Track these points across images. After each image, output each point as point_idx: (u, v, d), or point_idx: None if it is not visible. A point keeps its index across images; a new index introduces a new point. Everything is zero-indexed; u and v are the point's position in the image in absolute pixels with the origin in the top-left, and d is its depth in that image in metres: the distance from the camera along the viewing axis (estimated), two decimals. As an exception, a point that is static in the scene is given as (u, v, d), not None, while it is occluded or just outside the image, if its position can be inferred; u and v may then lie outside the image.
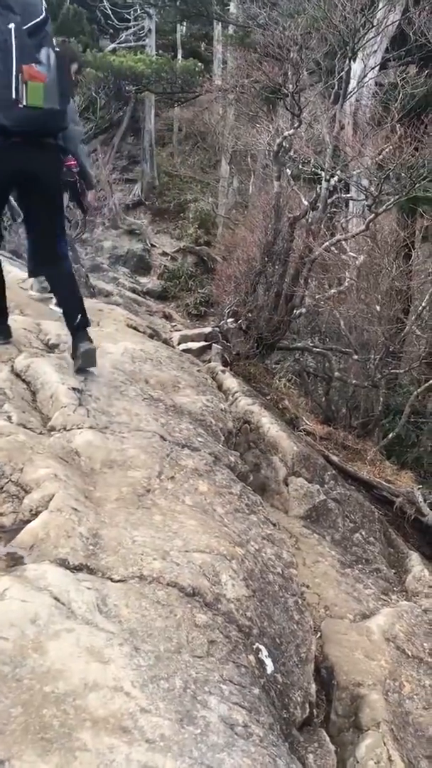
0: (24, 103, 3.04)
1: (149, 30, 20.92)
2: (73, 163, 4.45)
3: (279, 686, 2.53)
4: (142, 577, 2.44)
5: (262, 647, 2.55)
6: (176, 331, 10.28)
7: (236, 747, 1.94)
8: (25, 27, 3.09)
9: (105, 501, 2.88)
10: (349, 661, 3.13)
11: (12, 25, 3.05)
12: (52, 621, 2.09)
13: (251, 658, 2.42)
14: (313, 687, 2.79)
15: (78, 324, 3.85)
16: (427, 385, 6.68)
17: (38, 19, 3.15)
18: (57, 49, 3.21)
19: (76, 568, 2.38)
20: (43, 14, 3.20)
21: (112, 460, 3.22)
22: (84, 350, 3.82)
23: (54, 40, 3.28)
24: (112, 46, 20.86)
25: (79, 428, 3.36)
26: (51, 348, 4.35)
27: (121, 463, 3.21)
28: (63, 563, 2.36)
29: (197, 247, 18.39)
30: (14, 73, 3.01)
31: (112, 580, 2.39)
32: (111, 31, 22.82)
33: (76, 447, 3.21)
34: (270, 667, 2.53)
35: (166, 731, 1.88)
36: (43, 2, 3.26)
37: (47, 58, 3.10)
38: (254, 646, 2.51)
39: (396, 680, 3.10)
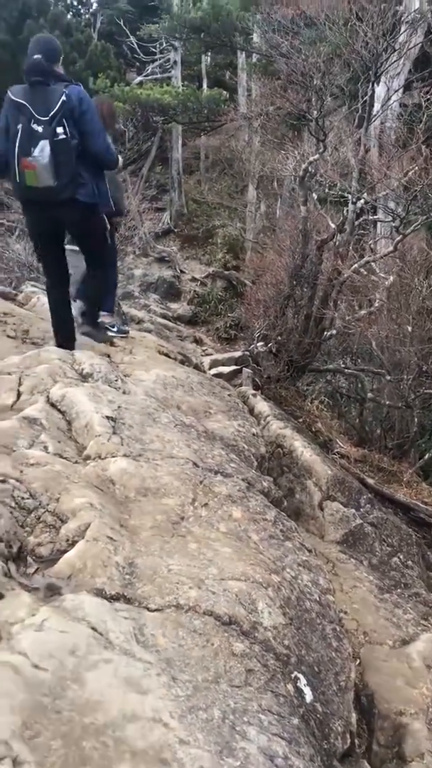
0: (25, 184, 4.09)
1: (175, 62, 21.34)
2: None
3: (319, 716, 2.49)
4: (178, 606, 2.44)
5: (300, 676, 2.52)
6: (207, 355, 10.35)
7: (277, 779, 1.92)
8: (32, 124, 3.99)
9: (140, 529, 2.90)
10: (390, 689, 3.07)
11: (19, 126, 4.00)
12: (90, 651, 2.10)
13: (290, 687, 2.39)
14: (354, 716, 2.74)
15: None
16: (461, 404, 6.60)
17: (50, 114, 3.99)
18: (62, 136, 4.01)
19: (113, 598, 2.39)
20: (55, 108, 4.00)
21: (146, 488, 3.24)
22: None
23: (81, 108, 4.11)
24: (139, 79, 21.31)
25: (113, 456, 3.40)
26: (85, 377, 4.41)
27: (155, 490, 3.23)
28: (100, 593, 2.38)
29: (226, 272, 18.52)
30: (16, 164, 4.05)
31: (148, 609, 2.40)
32: (137, 64, 23.38)
33: (111, 475, 3.24)
34: (309, 696, 2.50)
35: (205, 763, 1.87)
36: (63, 96, 4.03)
37: (41, 151, 3.98)
38: (292, 675, 2.48)
39: (439, 709, 3.04)
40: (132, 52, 22.37)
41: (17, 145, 4.01)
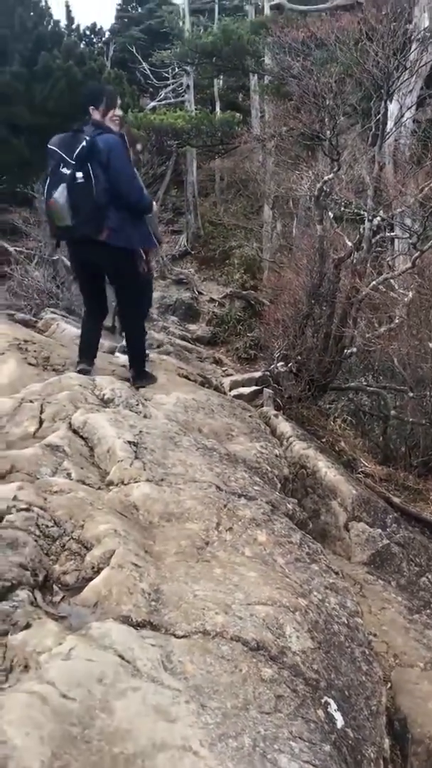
0: (54, 222, 4.55)
1: (187, 86, 21.64)
2: None
3: (350, 741, 2.45)
4: (205, 632, 2.43)
5: (330, 701, 2.49)
6: (227, 376, 10.35)
7: (309, 808, 1.89)
8: (61, 167, 4.35)
9: (165, 555, 2.89)
10: (423, 713, 3.02)
11: (50, 170, 4.42)
12: (118, 679, 2.09)
13: (320, 712, 2.36)
14: (387, 741, 2.69)
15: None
16: None
17: (73, 156, 4.31)
18: (80, 180, 4.30)
19: (140, 625, 2.38)
20: (77, 151, 4.30)
21: (169, 513, 3.24)
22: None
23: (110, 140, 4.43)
24: (153, 104, 21.62)
25: (136, 482, 3.40)
26: (106, 403, 4.43)
27: (179, 515, 3.23)
28: (126, 620, 2.37)
29: (244, 292, 18.58)
30: (45, 204, 4.56)
31: (175, 636, 2.39)
32: (151, 90, 23.73)
33: (134, 501, 3.24)
34: (340, 721, 2.46)
35: (236, 793, 1.85)
36: (85, 141, 4.33)
37: (61, 193, 4.34)
38: (323, 700, 2.45)
39: (473, 732, 2.97)
40: (145, 78, 22.73)
41: (47, 185, 4.46)
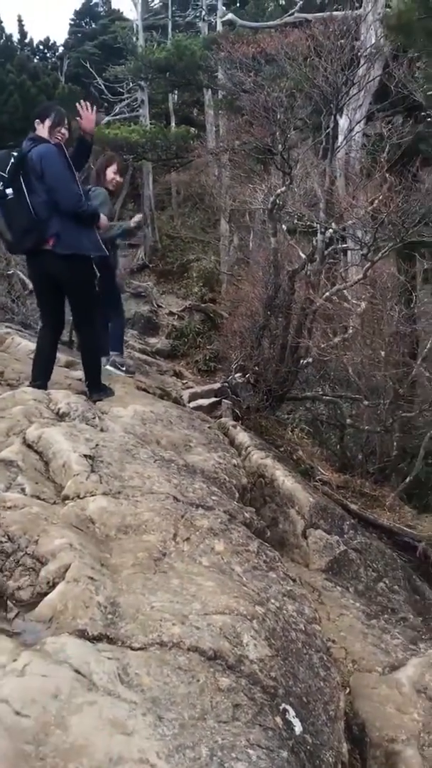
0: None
1: (142, 101, 21.73)
2: None
3: (309, 747, 2.46)
4: (162, 643, 2.42)
5: (288, 707, 2.50)
6: (187, 388, 10.36)
7: None
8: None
9: (121, 567, 2.88)
10: (381, 716, 3.05)
11: None
12: (73, 694, 2.07)
13: (278, 719, 2.37)
14: (345, 746, 2.71)
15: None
16: (439, 426, 6.66)
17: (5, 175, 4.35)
18: (10, 196, 4.36)
19: (96, 639, 2.36)
20: (9, 167, 4.32)
21: (126, 526, 3.22)
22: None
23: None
24: (108, 119, 21.63)
25: (92, 495, 3.39)
26: (62, 417, 4.40)
27: (136, 527, 3.22)
28: (82, 634, 2.35)
29: (203, 305, 18.67)
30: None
31: (132, 648, 2.38)
32: (106, 104, 23.75)
33: (90, 514, 3.22)
34: (298, 727, 2.47)
35: (194, 803, 1.84)
36: (13, 156, 4.35)
37: None
38: (281, 707, 2.46)
39: (430, 733, 3.01)
40: (100, 93, 22.75)
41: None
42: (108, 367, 6.02)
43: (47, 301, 5.03)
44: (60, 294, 4.91)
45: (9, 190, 4.33)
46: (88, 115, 4.80)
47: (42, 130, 4.62)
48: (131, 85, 21.80)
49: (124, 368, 6.24)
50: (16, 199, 4.34)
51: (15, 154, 4.35)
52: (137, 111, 22.15)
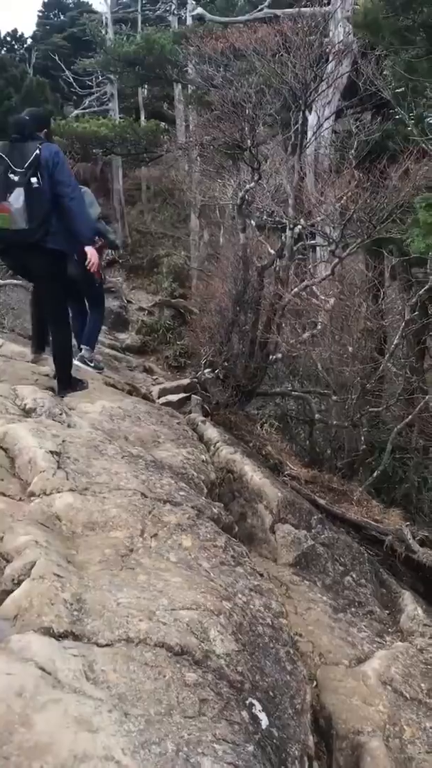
0: None
1: (111, 95, 21.58)
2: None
3: (275, 741, 2.48)
4: (128, 639, 2.41)
5: (255, 702, 2.51)
6: (157, 384, 10.33)
7: (232, 809, 1.90)
8: (9, 174, 4.48)
9: (88, 564, 2.86)
10: (347, 709, 3.08)
11: None
12: (38, 692, 2.06)
13: (244, 714, 2.38)
14: (311, 739, 2.73)
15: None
16: (406, 421, 6.75)
17: (25, 166, 4.47)
18: (35, 185, 4.48)
19: (61, 636, 2.35)
20: (30, 159, 4.47)
21: (93, 522, 3.20)
22: None
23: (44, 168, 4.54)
24: (76, 112, 21.43)
25: (58, 492, 3.36)
26: (28, 413, 4.36)
27: (103, 524, 3.20)
28: (47, 632, 2.33)
29: (173, 300, 18.61)
30: None
31: (98, 645, 2.36)
32: (75, 98, 23.54)
33: (56, 511, 3.20)
34: (264, 721, 2.48)
35: (159, 798, 1.84)
36: (38, 150, 4.50)
37: (16, 198, 4.46)
38: (247, 702, 2.47)
39: (396, 725, 3.05)
40: (68, 86, 22.53)
41: None
42: (76, 362, 5.96)
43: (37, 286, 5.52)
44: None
45: (34, 179, 4.52)
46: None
47: (42, 134, 4.87)
48: (100, 78, 21.63)
49: (92, 364, 6.25)
50: (40, 190, 4.53)
51: (39, 147, 4.54)
52: (107, 105, 21.99)
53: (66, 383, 5.07)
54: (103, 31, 22.11)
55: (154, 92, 26.66)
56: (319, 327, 7.25)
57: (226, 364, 7.09)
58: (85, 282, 6.00)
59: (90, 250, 4.91)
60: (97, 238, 5.91)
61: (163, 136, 16.66)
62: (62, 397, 4.90)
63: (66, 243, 4.82)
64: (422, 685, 3.38)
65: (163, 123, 20.20)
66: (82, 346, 6.22)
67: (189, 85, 16.72)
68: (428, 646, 3.80)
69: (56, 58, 23.19)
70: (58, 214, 4.69)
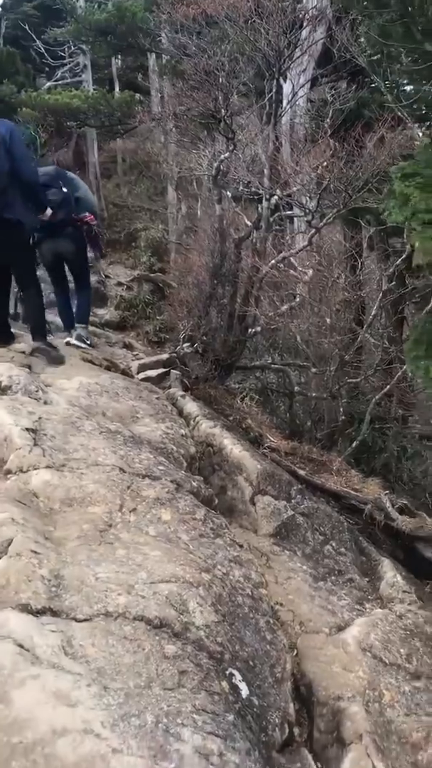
0: None
1: (84, 65, 21.10)
2: (90, 217, 6.15)
3: (256, 709, 2.50)
4: (107, 613, 2.42)
5: (235, 672, 2.53)
6: (137, 359, 10.27)
7: (212, 777, 1.92)
8: None
9: (66, 540, 2.85)
10: (327, 676, 3.11)
11: None
12: (16, 669, 2.06)
13: (224, 684, 2.40)
14: (292, 706, 2.77)
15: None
16: (384, 391, 6.77)
17: None
18: None
19: (39, 612, 2.34)
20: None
21: (71, 498, 3.19)
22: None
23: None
24: (49, 84, 20.94)
25: (35, 469, 3.34)
26: (3, 390, 4.31)
27: (81, 500, 3.19)
28: (25, 608, 2.33)
29: (152, 275, 18.42)
30: None
31: (76, 620, 2.37)
32: (47, 69, 23.00)
33: (33, 488, 3.18)
34: (245, 691, 2.51)
35: (139, 769, 1.86)
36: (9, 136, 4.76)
37: None
38: (227, 672, 2.49)
39: (375, 690, 3.09)
40: (40, 56, 21.97)
41: None
42: (72, 340, 6.13)
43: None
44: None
45: None
46: None
47: None
48: (73, 48, 21.10)
49: (88, 342, 6.33)
50: None
51: None
52: (80, 76, 21.50)
53: (43, 335, 5.50)
54: (74, -1, 21.55)
55: (128, 63, 26.11)
56: (297, 299, 7.22)
57: (204, 338, 7.04)
58: (76, 259, 6.28)
59: (48, 212, 5.39)
60: (89, 214, 6.20)
61: (138, 108, 16.35)
62: (39, 345, 5.33)
63: (24, 214, 5.04)
64: (401, 650, 3.42)
65: (138, 94, 19.78)
66: (77, 325, 6.36)
67: (163, 55, 16.39)
68: (407, 612, 3.84)
69: (26, 27, 22.58)
70: (17, 189, 4.91)
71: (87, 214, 6.17)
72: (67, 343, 6.08)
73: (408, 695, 3.16)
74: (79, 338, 6.20)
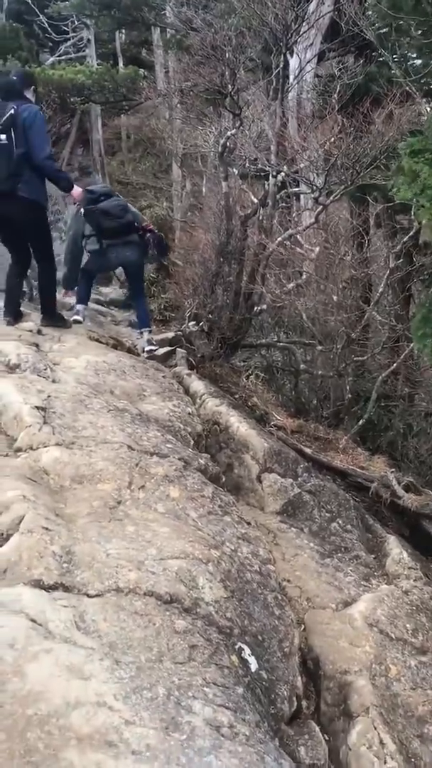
0: None
1: (88, 40, 20.81)
2: (150, 226, 6.67)
3: (264, 683, 2.55)
4: (118, 589, 2.45)
5: (244, 646, 2.57)
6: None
7: (223, 748, 1.96)
8: None
9: (76, 517, 2.88)
10: (335, 650, 3.16)
11: None
12: (30, 643, 2.09)
13: (234, 658, 2.43)
14: (300, 680, 2.81)
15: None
16: (390, 369, 6.77)
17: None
18: (4, 141, 4.93)
19: (51, 588, 2.37)
20: (3, 119, 4.94)
21: (81, 475, 3.21)
22: None
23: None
24: (52, 59, 20.71)
25: (45, 446, 3.36)
26: (12, 368, 4.33)
27: (90, 477, 3.21)
28: (38, 584, 2.36)
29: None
30: None
31: (88, 595, 2.40)
32: (50, 44, 22.71)
33: (44, 465, 3.20)
34: (254, 665, 2.55)
35: (151, 741, 1.89)
36: (12, 110, 4.96)
37: None
38: (236, 646, 2.52)
39: (382, 664, 3.14)
40: (43, 31, 21.68)
41: None
42: (147, 346, 6.50)
43: (10, 239, 5.57)
44: (21, 233, 5.49)
45: (3, 136, 4.95)
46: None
47: (29, 94, 5.36)
48: (76, 23, 20.81)
49: (155, 345, 6.68)
50: (7, 146, 4.95)
51: (14, 107, 4.97)
52: (83, 51, 21.23)
53: (51, 314, 5.74)
54: (77, -28, 21.20)
55: (132, 37, 25.76)
56: (303, 277, 7.19)
57: (210, 316, 7.02)
58: (138, 267, 6.75)
59: (75, 191, 5.72)
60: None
61: (143, 83, 16.16)
62: (44, 326, 5.56)
63: (40, 194, 5.31)
64: (407, 625, 3.47)
65: (142, 69, 19.53)
66: (143, 330, 6.83)
67: (168, 29, 16.17)
68: (413, 588, 3.88)
69: (29, 2, 22.27)
70: (33, 170, 5.14)
71: (147, 222, 6.76)
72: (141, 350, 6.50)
73: (414, 669, 3.21)
74: (150, 342, 6.57)
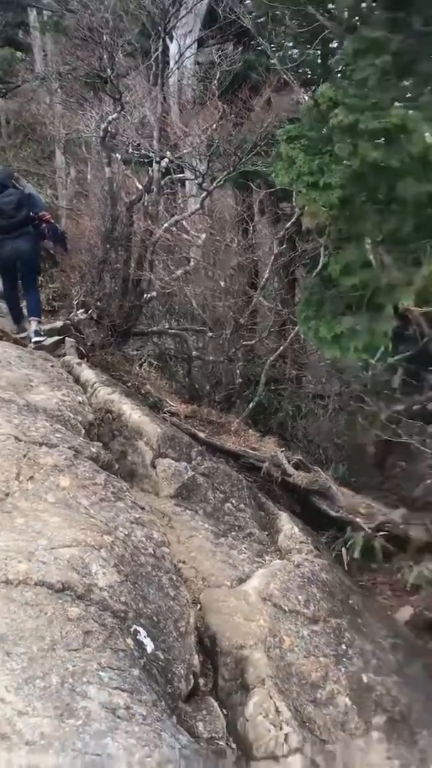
0: None
1: (-40, 20, 19.91)
2: (48, 216, 6.90)
3: (161, 663, 2.57)
4: (7, 581, 2.39)
5: (139, 629, 2.57)
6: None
7: (119, 730, 1.97)
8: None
9: (-39, 512, 2.79)
10: (230, 627, 3.22)
11: None
12: None
13: (129, 641, 2.44)
14: (196, 658, 2.85)
15: None
16: (278, 352, 6.93)
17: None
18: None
19: None
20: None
21: (-36, 470, 3.11)
22: None
23: None
24: None
25: None
26: None
27: (-25, 470, 3.11)
28: None
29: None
30: None
31: (-25, 590, 2.33)
32: None
33: None
34: (150, 646, 2.56)
35: (46, 729, 1.87)
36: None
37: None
38: (132, 629, 2.53)
39: (276, 636, 3.23)
40: None
41: None
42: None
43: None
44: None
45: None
46: None
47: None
48: None
49: (43, 335, 6.63)
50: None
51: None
52: None
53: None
54: None
55: (8, 18, 24.87)
56: (191, 263, 7.22)
57: (99, 304, 6.94)
58: (31, 259, 6.86)
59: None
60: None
61: (20, 66, 15.63)
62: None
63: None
64: (299, 597, 3.58)
65: (19, 52, 18.88)
66: (31, 318, 6.73)
67: (44, 11, 15.69)
68: (304, 561, 4.01)
69: None
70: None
71: (44, 213, 6.75)
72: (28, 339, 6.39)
73: (307, 639, 3.33)
74: (38, 333, 6.45)
